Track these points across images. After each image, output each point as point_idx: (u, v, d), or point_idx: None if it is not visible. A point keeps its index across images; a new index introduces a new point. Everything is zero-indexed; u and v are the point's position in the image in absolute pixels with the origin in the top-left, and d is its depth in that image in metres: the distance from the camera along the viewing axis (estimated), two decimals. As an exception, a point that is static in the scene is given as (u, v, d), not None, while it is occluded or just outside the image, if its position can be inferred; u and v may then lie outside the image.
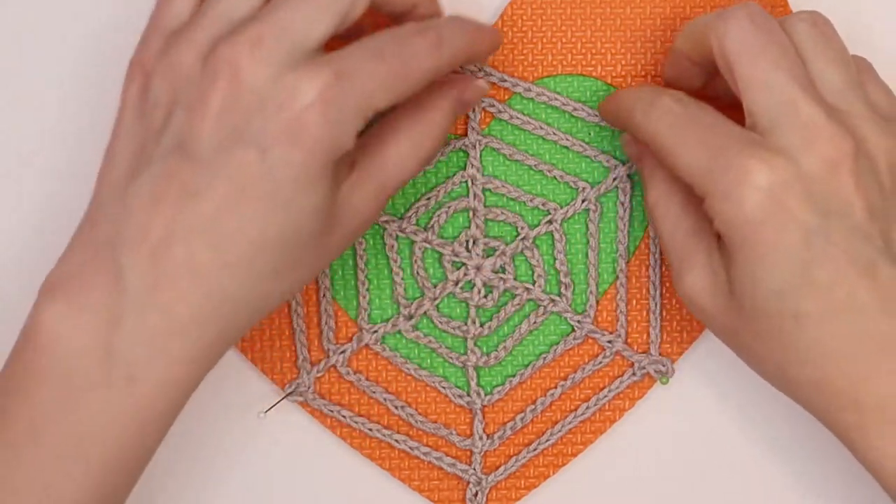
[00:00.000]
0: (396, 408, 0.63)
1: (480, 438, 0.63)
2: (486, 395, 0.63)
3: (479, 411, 0.63)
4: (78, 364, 0.52)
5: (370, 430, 0.63)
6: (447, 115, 0.57)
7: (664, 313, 0.63)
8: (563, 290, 0.62)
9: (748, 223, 0.53)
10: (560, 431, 0.63)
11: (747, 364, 0.57)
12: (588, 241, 0.62)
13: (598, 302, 0.63)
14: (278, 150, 0.51)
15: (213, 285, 0.52)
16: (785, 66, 0.54)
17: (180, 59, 0.53)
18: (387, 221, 0.62)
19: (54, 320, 0.52)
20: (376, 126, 0.56)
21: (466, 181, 0.62)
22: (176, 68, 0.53)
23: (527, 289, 0.62)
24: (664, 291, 0.63)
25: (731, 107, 0.56)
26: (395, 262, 0.62)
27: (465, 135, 0.62)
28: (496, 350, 0.63)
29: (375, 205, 0.55)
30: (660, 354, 0.63)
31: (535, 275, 0.62)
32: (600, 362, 0.63)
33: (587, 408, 0.63)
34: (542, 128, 0.62)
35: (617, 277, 0.63)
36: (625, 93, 0.58)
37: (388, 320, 0.63)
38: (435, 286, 0.62)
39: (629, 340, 0.63)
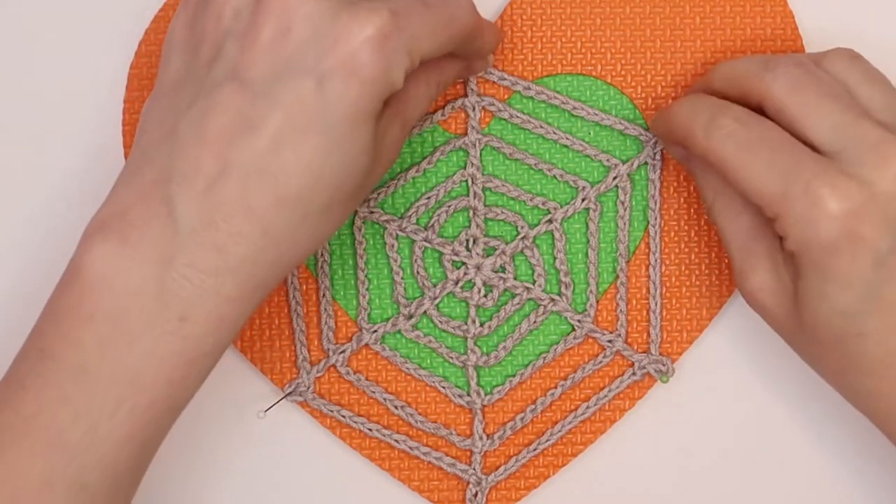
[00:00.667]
0: (396, 408, 0.63)
1: (480, 438, 0.63)
2: (486, 394, 0.63)
3: (479, 411, 0.63)
4: (131, 303, 0.51)
5: (370, 430, 0.62)
6: (456, 68, 0.58)
7: (664, 313, 0.62)
8: (563, 289, 0.62)
9: (822, 249, 0.53)
10: (560, 431, 0.62)
11: (807, 363, 0.57)
12: (588, 241, 0.62)
13: (598, 301, 0.63)
14: (335, 83, 0.51)
15: (268, 222, 0.52)
16: (838, 96, 0.54)
17: None
18: (387, 221, 0.62)
19: (106, 259, 0.52)
20: None
21: (466, 180, 0.62)
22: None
23: (527, 288, 0.62)
24: (664, 291, 0.62)
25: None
26: (395, 261, 0.62)
27: (466, 134, 0.62)
28: (496, 350, 0.63)
29: (401, 141, 0.56)
30: (660, 354, 0.62)
31: (536, 274, 0.62)
32: (600, 362, 0.63)
33: (587, 408, 0.63)
34: (542, 127, 0.62)
35: (617, 277, 0.63)
36: (678, 109, 0.57)
37: (387, 320, 0.63)
38: (435, 286, 0.62)
39: (629, 340, 0.63)
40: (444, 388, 0.63)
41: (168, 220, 0.51)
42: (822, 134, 0.54)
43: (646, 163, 0.62)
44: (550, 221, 0.62)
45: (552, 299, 0.62)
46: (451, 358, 0.63)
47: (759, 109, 0.56)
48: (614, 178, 0.62)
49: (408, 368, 0.63)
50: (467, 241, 0.62)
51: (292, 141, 0.51)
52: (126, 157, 0.62)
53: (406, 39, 0.52)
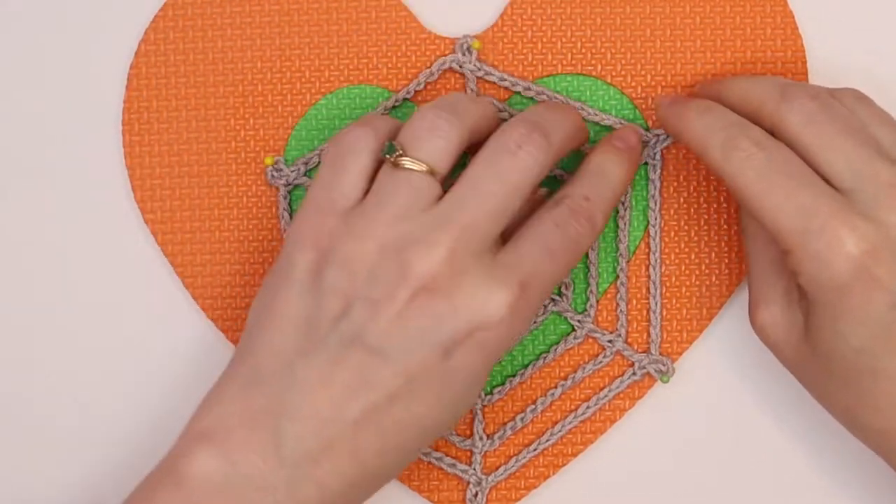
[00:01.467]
0: (396, 408, 0.63)
1: (480, 438, 0.63)
2: (486, 394, 0.63)
3: (478, 411, 0.63)
4: None
5: (370, 430, 0.62)
6: None
7: (664, 313, 0.62)
8: (563, 289, 0.62)
9: (836, 289, 0.53)
10: (560, 431, 0.62)
11: (813, 397, 0.57)
12: (588, 241, 0.62)
13: (598, 301, 0.63)
14: (463, 356, 0.53)
15: (369, 465, 0.54)
16: (853, 133, 0.54)
17: (364, 249, 0.54)
18: (387, 221, 0.62)
19: (209, 469, 0.53)
20: None
21: (466, 180, 0.62)
22: (357, 259, 0.54)
23: (527, 288, 0.62)
24: (664, 291, 0.62)
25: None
26: (395, 261, 0.62)
27: (466, 134, 0.62)
28: (496, 350, 0.63)
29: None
30: (660, 354, 0.62)
31: (536, 274, 0.62)
32: (600, 362, 0.63)
33: (587, 408, 0.63)
34: (542, 127, 0.62)
35: (617, 277, 0.63)
36: (692, 121, 0.57)
37: (388, 320, 0.63)
38: (435, 286, 0.62)
39: (629, 340, 0.63)
40: (444, 388, 0.63)
41: (276, 450, 0.53)
42: (835, 169, 0.54)
43: (646, 163, 0.62)
44: (550, 221, 0.62)
45: (552, 299, 0.62)
46: (452, 358, 0.63)
47: (771, 133, 0.56)
48: (614, 179, 0.62)
49: (408, 368, 0.63)
50: (467, 241, 0.62)
51: (408, 399, 0.53)
52: (126, 161, 0.62)
53: (534, 307, 0.55)
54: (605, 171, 0.58)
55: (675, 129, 0.58)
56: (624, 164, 0.58)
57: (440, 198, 0.55)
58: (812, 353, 0.55)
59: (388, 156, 0.55)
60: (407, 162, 0.55)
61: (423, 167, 0.55)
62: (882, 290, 0.53)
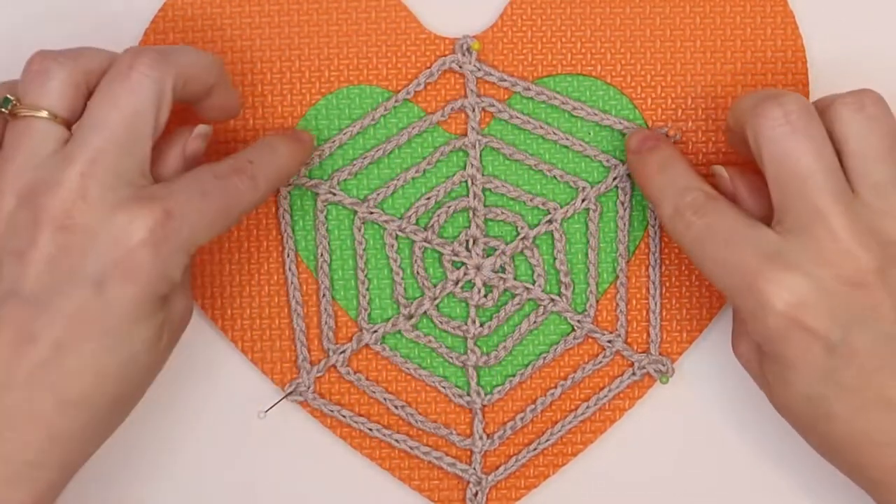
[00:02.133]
0: (396, 407, 0.63)
1: (480, 438, 0.63)
2: (486, 394, 0.63)
3: (479, 411, 0.63)
4: None
5: (370, 429, 0.62)
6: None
7: (664, 313, 0.62)
8: (563, 289, 0.62)
9: (773, 341, 0.54)
10: (560, 431, 0.63)
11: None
12: (588, 241, 0.62)
13: (598, 301, 0.63)
14: (113, 286, 0.52)
15: (54, 426, 0.53)
16: (817, 172, 0.54)
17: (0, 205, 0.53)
18: (387, 221, 0.62)
19: None
20: None
21: (466, 181, 0.62)
22: None
23: (527, 288, 0.62)
24: (664, 291, 0.62)
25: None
26: (395, 261, 0.62)
27: (465, 134, 0.62)
28: (496, 350, 0.63)
29: (190, 305, 0.57)
30: (660, 354, 0.62)
31: (535, 274, 0.62)
32: (600, 362, 0.63)
33: (587, 407, 0.63)
34: (541, 127, 0.62)
35: (617, 277, 0.63)
36: (651, 169, 0.58)
37: (388, 320, 0.63)
38: (435, 286, 0.62)
39: (629, 340, 0.63)
40: (444, 387, 0.63)
41: None
42: (784, 211, 0.54)
43: (646, 163, 0.62)
44: (550, 222, 0.62)
45: (552, 299, 0.62)
46: (452, 358, 0.63)
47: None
48: (614, 179, 0.62)
49: (408, 368, 0.63)
50: (467, 241, 0.62)
51: (74, 345, 0.52)
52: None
53: (181, 235, 0.53)
54: (273, 145, 0.58)
55: (635, 177, 0.60)
56: (290, 144, 0.59)
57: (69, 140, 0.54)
58: (773, 401, 0.57)
59: (3, 110, 0.54)
60: (23, 111, 0.54)
61: (43, 113, 0.54)
62: (816, 339, 0.53)
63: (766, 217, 0.56)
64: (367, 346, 0.63)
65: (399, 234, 0.62)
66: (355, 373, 0.63)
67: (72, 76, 0.54)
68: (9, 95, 0.54)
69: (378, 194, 0.62)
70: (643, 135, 0.60)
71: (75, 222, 0.52)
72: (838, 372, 0.53)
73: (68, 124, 0.54)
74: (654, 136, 0.60)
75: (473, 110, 0.62)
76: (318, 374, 0.63)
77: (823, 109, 0.55)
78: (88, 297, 0.52)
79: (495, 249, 0.62)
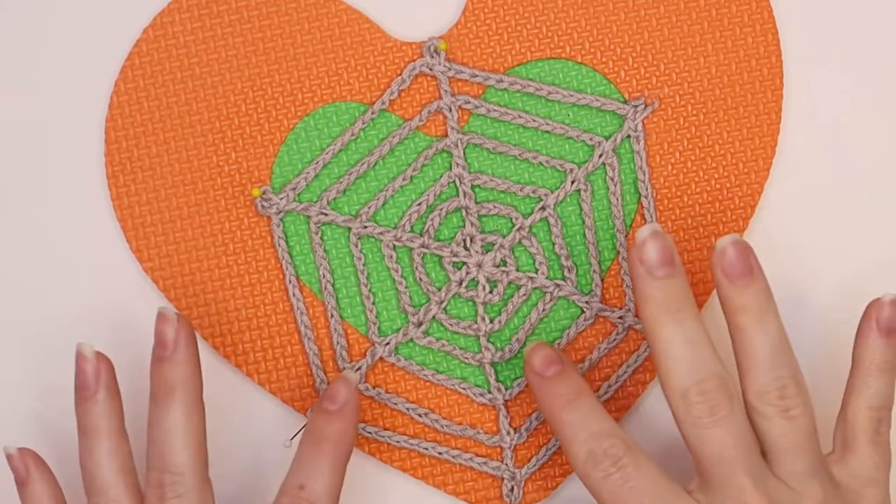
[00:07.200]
0: (420, 416, 0.63)
1: (508, 433, 0.63)
2: (506, 389, 0.63)
3: (502, 406, 0.63)
4: None
5: (397, 441, 0.63)
6: None
7: (670, 281, 0.62)
8: (566, 273, 0.62)
9: None
10: (586, 414, 0.62)
11: None
12: (584, 222, 0.62)
13: (602, 280, 0.63)
14: None
15: None
16: (741, 457, 0.55)
17: None
18: (381, 233, 0.62)
19: None
20: None
21: (454, 181, 0.62)
22: None
23: (530, 278, 0.62)
24: (667, 259, 0.62)
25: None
26: (397, 271, 0.62)
27: (446, 135, 0.62)
28: (510, 343, 0.63)
29: None
30: (672, 322, 0.62)
31: (537, 262, 0.62)
32: (614, 339, 0.63)
33: (609, 386, 0.63)
34: (520, 116, 0.62)
35: (618, 252, 0.62)
36: (559, 404, 0.57)
37: (398, 330, 0.63)
38: (439, 289, 0.62)
39: (639, 313, 0.63)
40: (464, 388, 0.63)
41: None
42: (706, 475, 0.56)
43: (628, 136, 0.62)
44: (544, 208, 0.62)
45: (557, 285, 0.62)
46: (467, 358, 0.63)
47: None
48: (600, 156, 0.62)
49: (425, 375, 0.63)
50: (464, 240, 0.62)
51: None
52: (117, 214, 0.62)
53: None
54: (319, 440, 0.59)
55: (538, 402, 0.58)
56: (336, 423, 0.59)
57: None
58: None
59: None
60: None
61: None
62: None
63: None
64: (381, 359, 0.63)
65: (396, 243, 0.62)
66: (374, 387, 0.63)
67: None
68: None
69: (369, 208, 0.62)
70: (545, 353, 0.58)
71: None
72: None
73: None
74: (556, 357, 0.58)
75: (450, 110, 0.62)
76: (338, 395, 0.63)
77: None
78: None
79: (493, 244, 0.62)
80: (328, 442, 0.58)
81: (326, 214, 0.62)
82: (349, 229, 0.62)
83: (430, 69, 0.62)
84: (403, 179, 0.62)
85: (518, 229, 0.62)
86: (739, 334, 0.56)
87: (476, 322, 0.62)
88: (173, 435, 0.57)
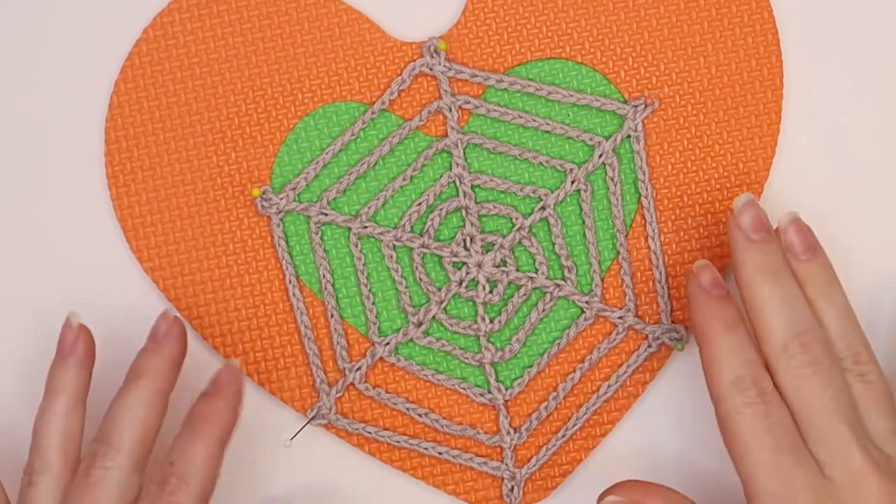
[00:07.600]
0: (420, 415, 0.63)
1: (508, 433, 0.63)
2: (506, 389, 0.63)
3: (502, 406, 0.63)
4: None
5: (397, 441, 0.62)
6: None
7: (670, 281, 0.62)
8: (566, 273, 0.62)
9: None
10: (586, 414, 0.62)
11: None
12: (584, 221, 0.62)
13: (602, 280, 0.63)
14: None
15: None
16: (842, 409, 0.55)
17: None
18: (382, 233, 0.62)
19: None
20: None
21: (454, 181, 0.62)
22: None
23: (530, 278, 0.62)
24: (666, 260, 0.62)
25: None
26: (397, 271, 0.62)
27: (446, 135, 0.62)
28: (510, 343, 0.63)
29: None
30: (671, 322, 0.62)
31: (537, 262, 0.62)
32: (614, 339, 0.63)
33: (609, 386, 0.63)
34: (520, 116, 0.62)
35: (618, 253, 0.62)
36: (717, 325, 0.57)
37: (398, 330, 0.63)
38: (439, 289, 0.62)
39: (639, 313, 0.63)
40: (464, 388, 0.63)
41: None
42: (815, 448, 0.55)
43: (628, 136, 0.62)
44: (544, 208, 0.62)
45: (557, 285, 0.62)
46: (467, 358, 0.63)
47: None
48: (600, 156, 0.62)
49: (425, 375, 0.63)
50: (464, 240, 0.62)
51: None
52: (117, 214, 0.62)
53: None
54: (194, 420, 0.58)
55: (694, 314, 0.58)
56: (213, 402, 0.59)
57: None
58: None
59: None
60: None
61: None
62: None
63: None
64: (381, 359, 0.63)
65: (396, 243, 0.62)
66: (374, 388, 0.63)
67: None
68: None
69: (369, 208, 0.62)
70: (713, 275, 0.58)
71: None
72: None
73: None
74: (722, 282, 0.58)
75: (450, 110, 0.62)
76: (338, 395, 0.63)
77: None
78: None
79: (493, 244, 0.62)
80: (202, 421, 0.58)
81: (326, 214, 0.62)
82: (349, 229, 0.62)
83: (430, 69, 0.62)
84: (403, 179, 0.62)
85: (518, 229, 0.62)
86: (809, 306, 0.57)
87: (476, 322, 0.62)
88: (125, 416, 0.57)
